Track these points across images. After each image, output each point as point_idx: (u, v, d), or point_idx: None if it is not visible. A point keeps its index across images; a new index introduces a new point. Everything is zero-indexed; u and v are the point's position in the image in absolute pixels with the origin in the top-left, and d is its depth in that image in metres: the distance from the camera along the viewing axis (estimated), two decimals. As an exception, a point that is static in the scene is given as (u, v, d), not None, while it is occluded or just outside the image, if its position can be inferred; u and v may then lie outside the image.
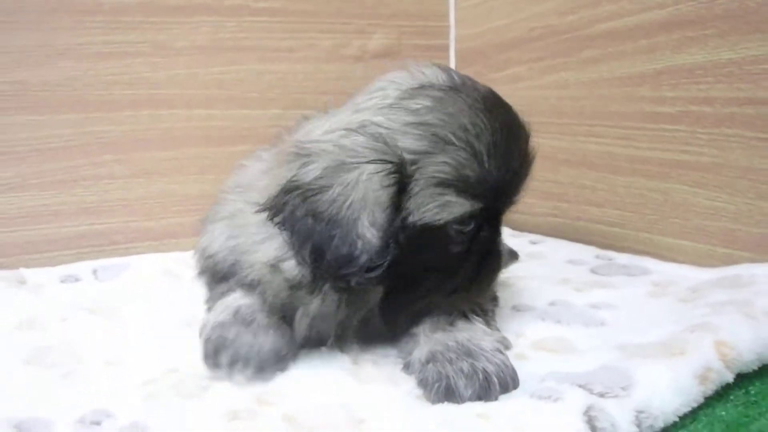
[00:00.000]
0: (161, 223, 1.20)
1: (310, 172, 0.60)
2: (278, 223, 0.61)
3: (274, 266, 0.65)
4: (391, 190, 0.59)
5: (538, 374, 0.60)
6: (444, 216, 0.61)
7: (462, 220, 0.63)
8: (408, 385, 0.62)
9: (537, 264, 1.02)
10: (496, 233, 0.70)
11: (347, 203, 0.59)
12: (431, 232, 0.62)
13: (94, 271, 1.04)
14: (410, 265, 0.63)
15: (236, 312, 0.68)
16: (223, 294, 0.73)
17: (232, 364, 0.63)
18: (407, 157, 0.60)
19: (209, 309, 0.75)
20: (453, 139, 0.61)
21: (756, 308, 0.70)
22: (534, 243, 1.15)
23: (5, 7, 1.06)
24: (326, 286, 0.64)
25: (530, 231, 1.25)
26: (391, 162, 0.59)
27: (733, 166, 0.92)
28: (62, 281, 1.01)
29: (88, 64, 1.13)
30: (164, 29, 1.18)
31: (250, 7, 1.25)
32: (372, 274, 0.59)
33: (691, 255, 0.98)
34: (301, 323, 0.68)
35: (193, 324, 0.79)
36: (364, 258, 0.59)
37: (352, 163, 0.59)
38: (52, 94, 1.12)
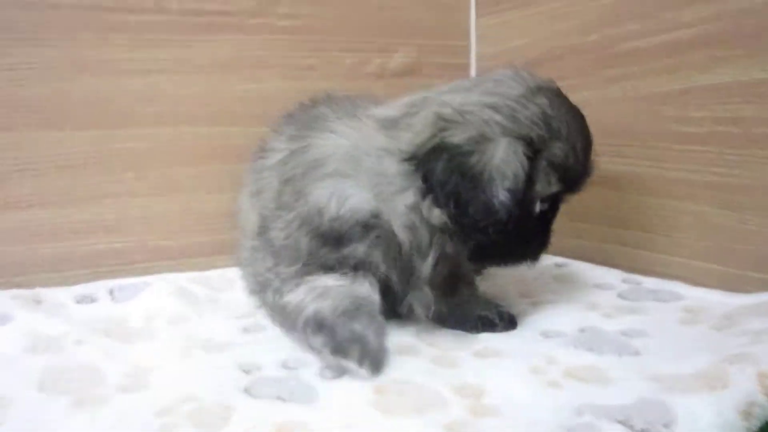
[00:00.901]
0: (180, 243, 1.19)
1: (457, 137, 0.72)
2: (426, 175, 0.72)
3: (417, 209, 0.74)
4: (524, 162, 0.72)
5: (573, 405, 0.58)
6: (545, 191, 0.76)
7: (550, 198, 0.78)
8: (434, 414, 0.59)
9: (563, 288, 1.00)
10: (557, 212, 0.85)
11: (488, 167, 0.71)
12: (531, 202, 0.76)
13: (111, 291, 1.02)
14: (512, 226, 0.73)
15: (356, 299, 0.75)
16: (324, 266, 0.78)
17: (362, 359, 0.68)
18: (535, 139, 0.74)
19: (297, 284, 0.78)
20: (563, 133, 0.76)
21: (797, 337, 0.68)
22: (559, 266, 1.13)
23: (32, 22, 1.06)
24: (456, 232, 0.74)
25: (554, 253, 1.22)
26: (524, 140, 0.73)
27: (764, 188, 0.90)
28: (78, 302, 0.98)
29: (111, 80, 1.12)
30: (187, 46, 1.17)
31: (273, 25, 1.25)
32: (503, 228, 0.72)
33: (722, 280, 0.96)
34: (427, 265, 0.77)
35: (211, 348, 0.79)
36: (501, 214, 0.71)
37: (493, 134, 0.72)
38: (74, 109, 1.11)
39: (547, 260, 1.16)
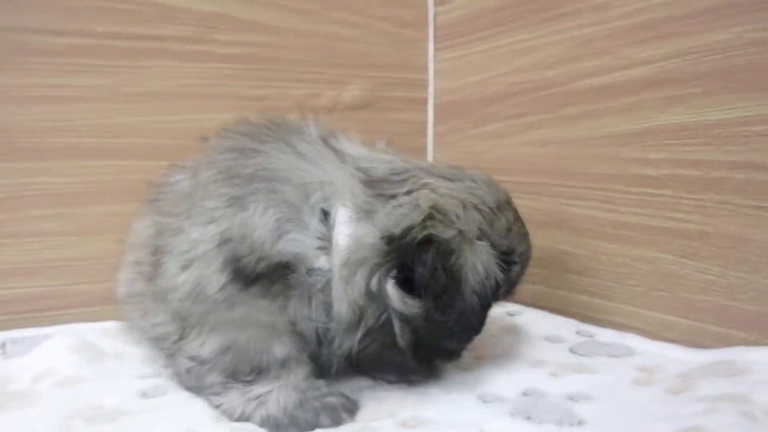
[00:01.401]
0: (99, 287, 1.08)
1: (446, 232, 0.68)
2: (408, 264, 0.67)
3: (375, 290, 0.67)
4: (497, 269, 0.71)
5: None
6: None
7: None
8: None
9: (512, 341, 0.92)
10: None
11: (465, 269, 0.68)
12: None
13: (2, 345, 0.90)
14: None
15: (298, 389, 0.69)
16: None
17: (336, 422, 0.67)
18: (506, 250, 0.73)
19: (224, 386, 0.69)
20: (519, 251, 0.75)
21: (755, 405, 0.61)
22: (511, 315, 1.06)
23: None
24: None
25: (509, 300, 1.15)
26: (498, 248, 0.72)
27: (723, 236, 0.84)
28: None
29: (26, 108, 1.03)
30: (116, 73, 1.09)
31: (214, 53, 1.18)
32: (467, 338, 0.73)
33: (680, 332, 0.89)
34: (351, 340, 0.70)
35: (95, 418, 0.68)
36: (470, 321, 0.70)
37: (473, 236, 0.70)
38: (-21, 140, 1.02)
39: (501, 308, 1.08)
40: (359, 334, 0.69)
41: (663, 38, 0.90)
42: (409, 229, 0.67)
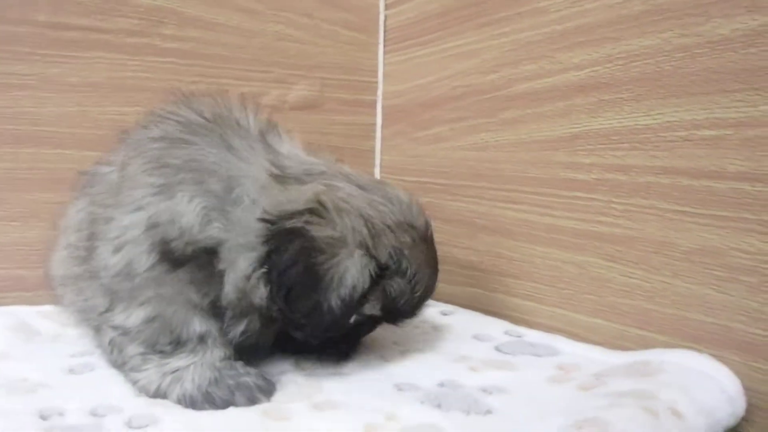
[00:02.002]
0: (36, 273, 1.06)
1: (322, 231, 0.68)
2: (271, 252, 0.67)
3: (248, 281, 0.68)
4: (366, 280, 0.69)
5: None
6: (367, 311, 0.73)
7: (368, 318, 0.75)
8: None
9: (440, 338, 0.92)
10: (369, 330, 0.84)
11: (333, 271, 0.67)
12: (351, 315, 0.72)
13: None
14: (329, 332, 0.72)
15: (213, 368, 0.70)
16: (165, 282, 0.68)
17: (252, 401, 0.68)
18: (384, 265, 0.72)
19: (143, 358, 0.70)
20: (408, 275, 0.74)
21: (658, 402, 0.62)
22: (445, 314, 1.06)
23: None
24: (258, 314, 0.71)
25: (446, 300, 1.15)
26: (376, 260, 0.71)
27: (648, 240, 0.86)
28: None
29: (-33, 95, 1.02)
30: (56, 63, 1.08)
31: (156, 46, 1.17)
32: (321, 332, 0.70)
33: (604, 335, 0.90)
34: (235, 330, 0.72)
35: (17, 390, 0.69)
36: (326, 318, 0.68)
37: (352, 243, 0.69)
38: None
39: (434, 307, 1.09)
40: (240, 327, 0.72)
41: (595, 43, 0.92)
42: (285, 215, 0.68)
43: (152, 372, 0.70)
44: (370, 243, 0.70)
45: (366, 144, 1.43)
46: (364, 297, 0.70)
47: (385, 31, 1.42)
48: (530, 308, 1.03)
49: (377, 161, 1.43)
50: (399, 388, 0.72)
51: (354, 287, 0.68)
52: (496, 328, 0.96)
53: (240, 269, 0.69)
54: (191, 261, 0.69)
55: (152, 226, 0.68)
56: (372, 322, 0.80)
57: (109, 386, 0.72)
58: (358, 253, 0.69)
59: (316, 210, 0.70)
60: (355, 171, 0.80)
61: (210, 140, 0.74)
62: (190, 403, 0.67)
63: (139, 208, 0.69)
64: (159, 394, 0.69)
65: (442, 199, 1.22)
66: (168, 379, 0.69)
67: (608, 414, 0.58)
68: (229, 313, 0.72)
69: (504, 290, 1.08)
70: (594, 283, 0.92)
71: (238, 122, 0.78)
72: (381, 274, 0.71)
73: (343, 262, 0.68)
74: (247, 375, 0.71)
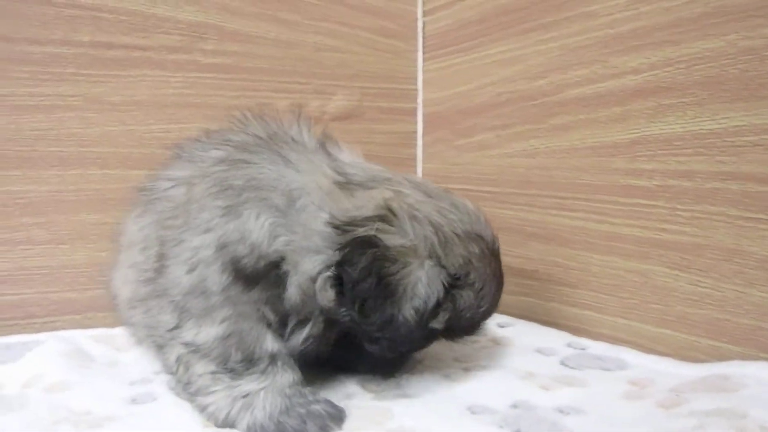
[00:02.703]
0: (86, 295, 1.07)
1: (393, 239, 0.67)
2: (344, 260, 0.66)
3: (313, 283, 0.68)
4: (440, 290, 0.68)
5: None
6: (431, 326, 0.70)
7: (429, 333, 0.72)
8: None
9: (502, 353, 0.90)
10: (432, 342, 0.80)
11: (405, 282, 0.66)
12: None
13: None
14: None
15: (284, 394, 0.69)
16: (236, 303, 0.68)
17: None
18: (455, 276, 0.70)
19: (213, 378, 0.69)
20: (476, 287, 0.72)
21: (749, 421, 0.59)
22: (502, 326, 1.04)
23: None
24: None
25: (500, 311, 1.13)
26: (447, 270, 0.69)
27: (717, 248, 0.83)
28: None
29: (10, 117, 1.02)
30: (100, 82, 1.08)
31: (198, 62, 1.16)
32: (395, 348, 0.69)
33: (673, 346, 0.87)
34: (296, 337, 0.72)
35: (82, 424, 0.68)
36: (401, 331, 0.67)
37: (423, 253, 0.68)
38: (-36, 149, 1.00)
39: (490, 319, 1.07)
40: (303, 334, 0.71)
41: (653, 47, 0.89)
42: (355, 221, 0.68)
43: (221, 396, 0.68)
44: (440, 252, 0.69)
45: (407, 152, 1.41)
46: (436, 308, 0.69)
47: (423, 39, 1.40)
48: (590, 318, 1.00)
49: (419, 169, 1.41)
50: (471, 410, 0.70)
51: (428, 297, 0.67)
52: (557, 340, 0.94)
53: (304, 271, 0.68)
54: (264, 278, 0.69)
55: (222, 246, 0.68)
56: (434, 338, 0.77)
57: (175, 417, 0.70)
58: (428, 263, 0.68)
59: (386, 217, 0.69)
60: (420, 178, 0.79)
61: (267, 158, 0.74)
62: None
63: (208, 230, 0.69)
64: (228, 422, 0.68)
65: (489, 207, 1.20)
66: (238, 405, 0.68)
67: (701, 438, 0.56)
68: (292, 319, 0.71)
69: (561, 300, 1.06)
70: (659, 292, 0.90)
71: (293, 138, 0.79)
72: (453, 283, 0.70)
73: (414, 272, 0.67)
74: (317, 403, 0.69)
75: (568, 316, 1.04)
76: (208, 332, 0.69)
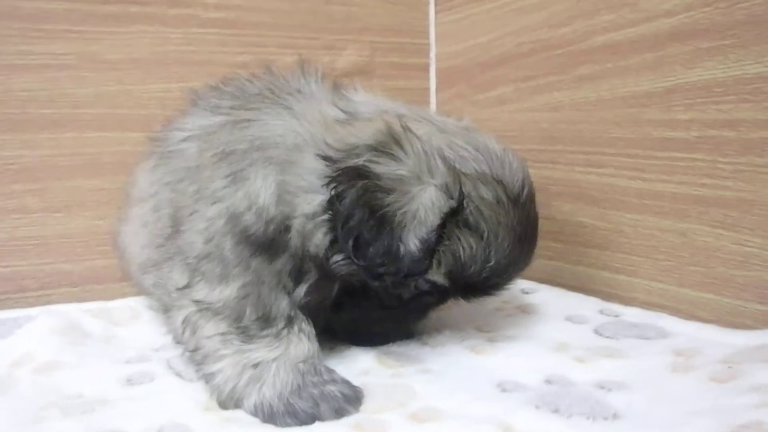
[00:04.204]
0: (83, 266, 1.02)
1: (389, 168, 0.61)
2: (335, 195, 0.61)
3: (307, 225, 0.64)
4: (443, 218, 0.61)
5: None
6: (431, 279, 0.65)
7: (434, 287, 0.66)
8: None
9: (529, 321, 0.84)
10: (441, 302, 0.73)
11: (405, 209, 0.60)
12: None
13: None
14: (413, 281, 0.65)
15: (297, 369, 0.63)
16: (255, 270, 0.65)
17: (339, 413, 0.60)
18: (458, 211, 0.62)
19: (223, 341, 0.64)
20: (483, 236, 0.64)
21: (819, 394, 0.53)
22: (526, 293, 0.98)
23: None
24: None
25: (522, 276, 1.07)
26: (453, 199, 0.61)
27: (765, 204, 0.76)
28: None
29: (4, 76, 0.96)
30: (94, 40, 1.01)
31: (199, 17, 1.09)
32: (405, 279, 0.62)
33: (716, 311, 0.81)
34: (300, 289, 0.67)
35: (72, 408, 0.62)
36: (405, 262, 0.60)
37: (425, 180, 0.61)
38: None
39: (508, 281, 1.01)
40: (304, 287, 0.67)
41: (690, -16, 0.81)
42: (348, 151, 0.63)
43: (230, 362, 0.63)
44: (447, 181, 0.61)
45: (421, 110, 1.34)
46: (440, 236, 0.62)
47: (436, -10, 1.32)
48: (623, 282, 0.93)
49: (433, 128, 1.34)
50: (502, 387, 0.64)
51: (433, 224, 0.60)
52: (588, 306, 0.88)
53: (301, 213, 0.64)
54: (279, 245, 0.65)
55: (233, 216, 0.65)
56: (439, 295, 0.70)
57: (173, 399, 0.65)
58: (432, 188, 0.61)
59: (384, 144, 0.62)
60: (442, 116, 0.73)
61: (272, 112, 0.70)
62: (269, 415, 0.60)
63: (217, 200, 0.66)
64: (233, 397, 0.62)
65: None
66: (246, 376, 0.62)
67: (765, 415, 0.50)
68: (296, 267, 0.67)
69: (589, 263, 0.99)
70: (700, 253, 0.83)
71: (299, 90, 0.75)
72: (457, 220, 0.62)
73: (415, 198, 0.60)
74: (333, 383, 0.63)
75: (597, 280, 0.97)
76: (222, 291, 0.65)
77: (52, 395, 0.65)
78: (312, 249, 0.64)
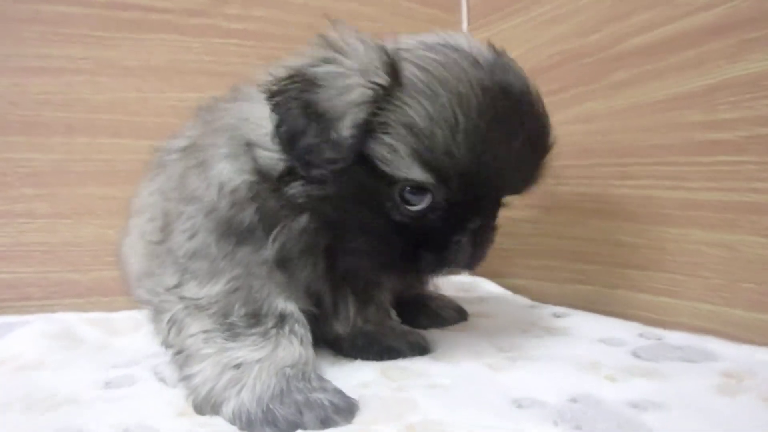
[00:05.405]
0: (90, 276, 0.98)
1: (327, 68, 0.58)
2: (273, 106, 0.59)
3: (267, 150, 0.61)
4: (371, 104, 0.56)
5: None
6: (390, 169, 0.58)
7: (412, 189, 0.59)
8: None
9: (558, 342, 0.75)
10: (459, 230, 0.62)
11: (332, 103, 0.57)
12: (377, 180, 0.58)
13: None
14: (352, 210, 0.60)
15: (282, 374, 0.58)
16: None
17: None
18: (394, 85, 0.57)
19: (205, 339, 0.60)
20: (441, 89, 0.57)
21: None
22: (558, 316, 0.88)
23: None
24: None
25: (552, 302, 0.98)
26: (382, 74, 0.57)
27: (825, 210, 0.67)
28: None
29: (14, 78, 0.95)
30: (113, 45, 1.00)
31: (220, 27, 1.07)
32: (334, 166, 0.57)
33: (771, 334, 0.71)
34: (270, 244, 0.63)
35: (38, 406, 0.58)
36: (334, 151, 0.56)
37: (359, 70, 0.57)
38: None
39: (543, 309, 0.92)
40: (272, 237, 0.62)
41: (730, -26, 0.75)
42: (290, 69, 0.60)
43: (210, 363, 0.58)
44: (379, 62, 0.57)
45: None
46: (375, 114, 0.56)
47: (468, 9, 1.28)
48: (666, 305, 0.84)
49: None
50: (518, 404, 0.55)
51: (357, 109, 0.56)
52: (627, 330, 0.78)
53: (252, 144, 0.62)
54: (255, 228, 0.62)
55: (210, 209, 0.63)
56: (442, 212, 0.61)
57: (148, 402, 0.60)
58: (356, 77, 0.57)
59: (325, 55, 0.59)
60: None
61: (242, 102, 0.68)
62: (246, 422, 0.54)
63: (195, 198, 0.65)
64: (210, 400, 0.56)
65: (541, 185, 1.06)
66: (226, 377, 0.57)
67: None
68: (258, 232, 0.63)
69: (628, 285, 0.90)
70: (752, 268, 0.74)
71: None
72: (391, 88, 0.56)
73: (351, 89, 0.56)
74: (322, 391, 0.57)
75: (637, 305, 0.88)
76: (212, 287, 0.62)
77: (21, 391, 0.61)
78: (264, 162, 0.61)
